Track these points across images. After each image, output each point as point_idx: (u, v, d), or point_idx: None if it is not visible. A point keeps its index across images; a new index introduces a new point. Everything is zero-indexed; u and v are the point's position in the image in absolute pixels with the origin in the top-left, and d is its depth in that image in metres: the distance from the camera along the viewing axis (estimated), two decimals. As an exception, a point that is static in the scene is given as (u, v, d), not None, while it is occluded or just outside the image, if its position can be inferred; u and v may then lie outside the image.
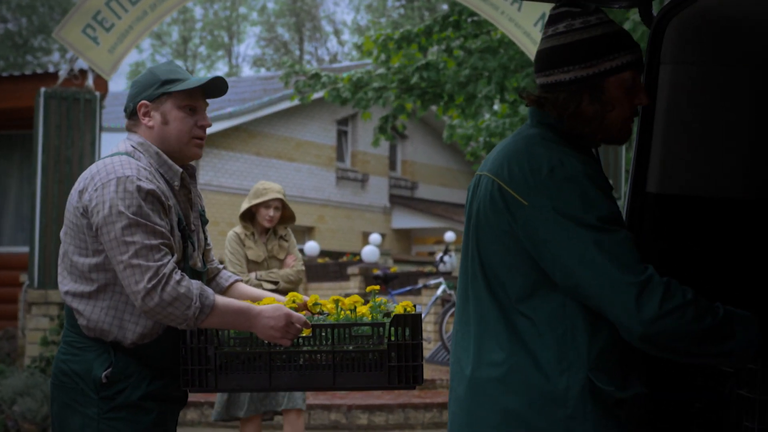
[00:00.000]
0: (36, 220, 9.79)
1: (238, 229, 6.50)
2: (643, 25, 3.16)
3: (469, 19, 13.30)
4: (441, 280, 13.64)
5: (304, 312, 3.21)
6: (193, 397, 9.41)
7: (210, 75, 3.16)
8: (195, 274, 3.12)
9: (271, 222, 6.51)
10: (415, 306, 3.14)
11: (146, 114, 3.11)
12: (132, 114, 3.14)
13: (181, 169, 3.11)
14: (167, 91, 3.09)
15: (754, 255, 3.01)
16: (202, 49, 45.14)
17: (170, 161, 3.09)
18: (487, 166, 2.51)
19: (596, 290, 2.29)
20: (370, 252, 18.17)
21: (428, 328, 13.57)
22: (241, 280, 3.46)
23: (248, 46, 60.06)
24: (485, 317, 2.46)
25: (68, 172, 9.87)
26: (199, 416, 9.41)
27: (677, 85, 3.00)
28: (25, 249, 11.25)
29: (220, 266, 3.43)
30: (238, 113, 22.78)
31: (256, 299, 3.26)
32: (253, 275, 6.35)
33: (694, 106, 3.02)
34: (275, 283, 6.34)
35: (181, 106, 3.10)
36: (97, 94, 10.11)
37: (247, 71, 45.25)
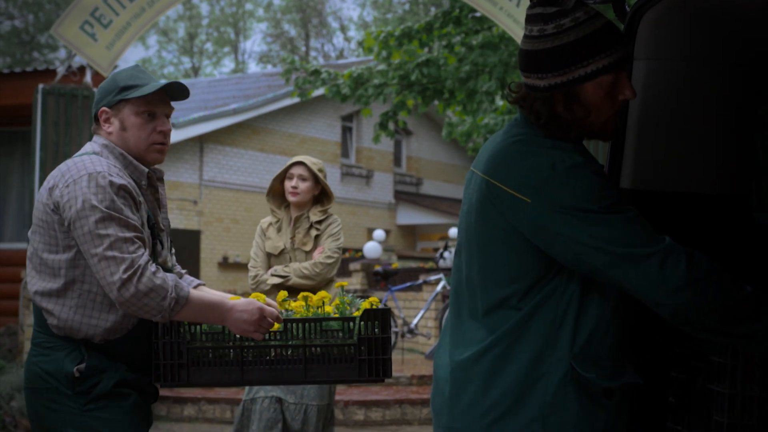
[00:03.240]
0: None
1: (266, 219, 5.59)
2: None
3: (470, 15, 13.29)
4: (441, 276, 13.64)
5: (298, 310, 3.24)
6: (190, 392, 9.43)
7: (165, 81, 3.18)
8: (165, 272, 3.13)
9: (296, 195, 5.39)
10: (380, 301, 3.19)
11: (106, 120, 3.16)
12: (96, 119, 3.19)
13: (146, 169, 3.17)
14: (125, 97, 3.12)
15: (728, 250, 3.01)
16: (209, 46, 45.18)
17: (135, 161, 3.15)
18: (480, 165, 2.51)
19: (618, 271, 2.29)
20: (372, 248, 18.19)
21: (428, 323, 13.59)
22: (204, 284, 3.47)
23: (254, 42, 60.11)
24: (475, 310, 2.47)
25: (66, 169, 9.89)
26: (196, 412, 9.43)
27: (651, 81, 3.00)
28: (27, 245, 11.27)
29: (183, 271, 3.47)
30: (243, 109, 22.79)
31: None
32: (269, 272, 5.35)
33: (668, 103, 3.02)
34: (284, 277, 5.29)
35: (138, 112, 3.14)
36: (96, 90, 10.12)
37: (253, 68, 45.29)
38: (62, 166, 3.08)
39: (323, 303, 3.16)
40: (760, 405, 2.34)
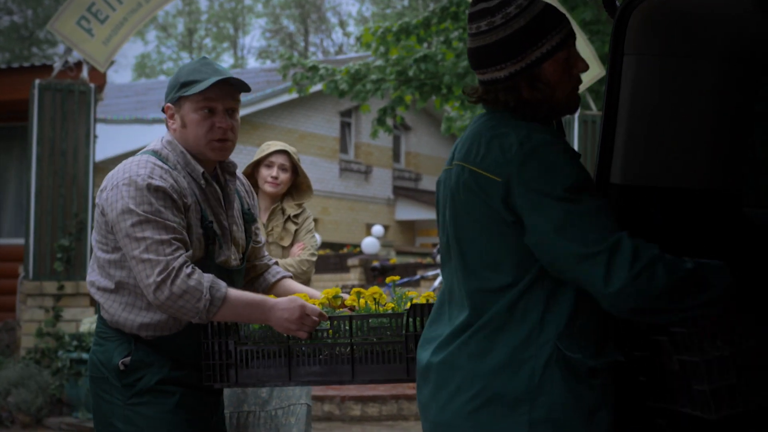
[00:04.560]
0: (31, 212, 9.81)
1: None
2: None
3: (467, 11, 13.26)
4: (438, 271, 13.66)
5: (340, 308, 3.18)
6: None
7: (222, 76, 3.09)
8: (224, 272, 3.14)
9: (275, 186, 4.97)
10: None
11: (171, 117, 3.18)
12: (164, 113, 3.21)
13: (202, 169, 3.13)
14: (183, 94, 3.11)
15: (717, 246, 3.01)
16: (208, 41, 45.15)
17: (193, 161, 3.13)
18: (453, 157, 2.54)
19: (568, 264, 2.32)
20: (370, 243, 18.19)
21: (426, 319, 13.58)
22: (290, 276, 3.47)
23: (254, 37, 60.11)
24: (460, 297, 2.49)
25: (63, 164, 9.88)
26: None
27: (641, 76, 3.00)
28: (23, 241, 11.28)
29: (271, 261, 3.46)
30: (242, 105, 22.74)
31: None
32: None
33: (658, 97, 3.01)
34: None
35: (196, 108, 3.11)
36: (92, 86, 10.12)
37: (252, 63, 45.26)
38: (115, 168, 3.12)
39: (375, 299, 3.08)
40: (734, 362, 2.36)
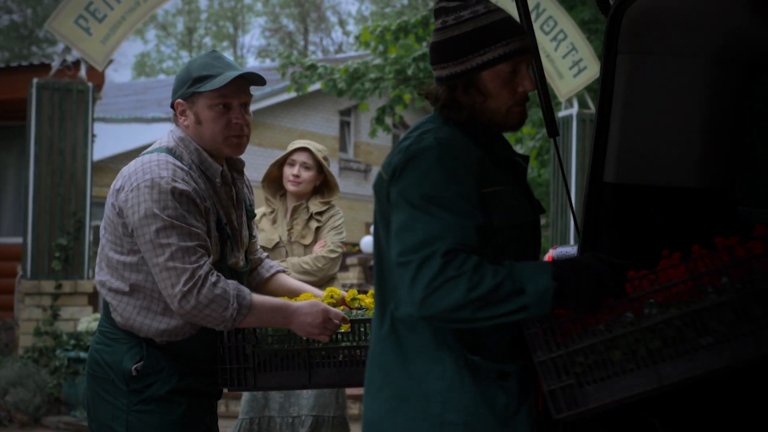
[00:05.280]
0: (29, 211, 9.81)
1: (260, 209, 5.08)
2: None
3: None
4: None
5: (342, 307, 3.16)
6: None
7: (239, 71, 3.02)
8: (235, 274, 3.09)
9: (296, 184, 4.95)
10: None
11: (182, 113, 3.05)
12: (174, 110, 3.10)
13: (220, 168, 3.04)
14: (197, 90, 3.00)
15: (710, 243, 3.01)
16: (207, 40, 45.13)
17: (209, 159, 3.03)
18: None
19: (394, 266, 2.38)
20: (369, 243, 18.17)
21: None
22: (284, 271, 3.41)
23: (253, 36, 60.11)
24: (379, 301, 2.54)
25: (61, 163, 9.88)
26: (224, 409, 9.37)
27: (634, 75, 3.00)
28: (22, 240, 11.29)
29: (264, 255, 3.39)
30: (240, 104, 22.78)
31: (295, 292, 3.25)
32: None
33: (651, 96, 3.02)
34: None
35: (212, 104, 3.00)
36: (90, 85, 10.12)
37: (252, 62, 45.24)
38: (131, 165, 2.99)
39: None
40: (569, 363, 2.36)
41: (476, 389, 2.38)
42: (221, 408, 9.27)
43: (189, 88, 3.02)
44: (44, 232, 9.79)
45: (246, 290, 2.96)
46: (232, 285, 2.92)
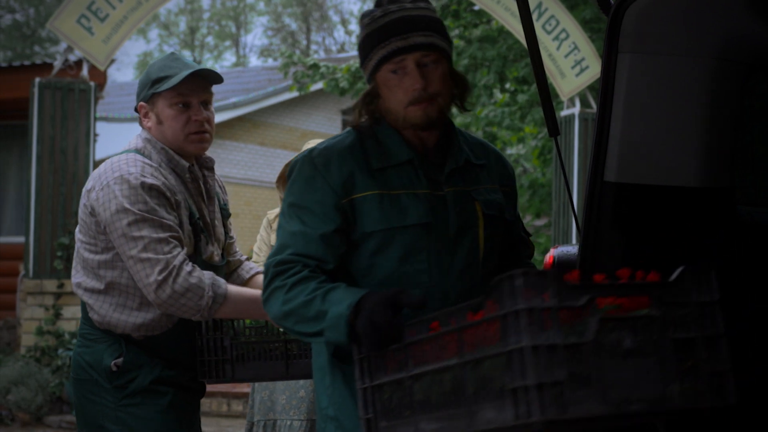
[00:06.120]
0: (31, 210, 9.82)
1: (274, 210, 5.27)
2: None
3: (468, 9, 13.27)
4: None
5: None
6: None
7: (193, 68, 3.12)
8: (210, 268, 3.12)
9: None
10: None
11: (145, 115, 3.15)
12: (138, 112, 3.19)
13: (187, 164, 3.12)
14: (156, 91, 3.10)
15: (711, 243, 3.01)
16: (210, 40, 45.17)
17: (177, 156, 3.11)
18: None
19: None
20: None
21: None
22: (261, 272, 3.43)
23: (256, 36, 60.15)
24: None
25: (63, 163, 9.89)
26: (217, 407, 9.40)
27: (635, 74, 3.00)
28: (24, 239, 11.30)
29: (243, 257, 3.44)
30: (243, 103, 22.79)
31: None
32: None
33: (652, 95, 3.02)
34: None
35: (171, 104, 3.10)
36: (92, 84, 10.13)
37: (254, 61, 45.28)
38: (101, 167, 3.07)
39: None
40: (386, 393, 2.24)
41: (347, 391, 2.45)
42: (223, 407, 9.29)
43: (149, 90, 3.11)
44: (46, 232, 9.81)
45: (221, 280, 3.01)
46: (207, 275, 2.97)
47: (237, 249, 3.42)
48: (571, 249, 3.49)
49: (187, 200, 3.10)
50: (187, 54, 44.16)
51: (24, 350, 9.64)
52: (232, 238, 3.37)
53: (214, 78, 3.14)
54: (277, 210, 5.22)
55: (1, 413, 9.10)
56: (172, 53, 3.21)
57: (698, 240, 3.01)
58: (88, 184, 3.06)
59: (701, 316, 2.13)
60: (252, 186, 23.23)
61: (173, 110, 3.09)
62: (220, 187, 3.37)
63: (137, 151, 3.10)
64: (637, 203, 3.04)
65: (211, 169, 3.26)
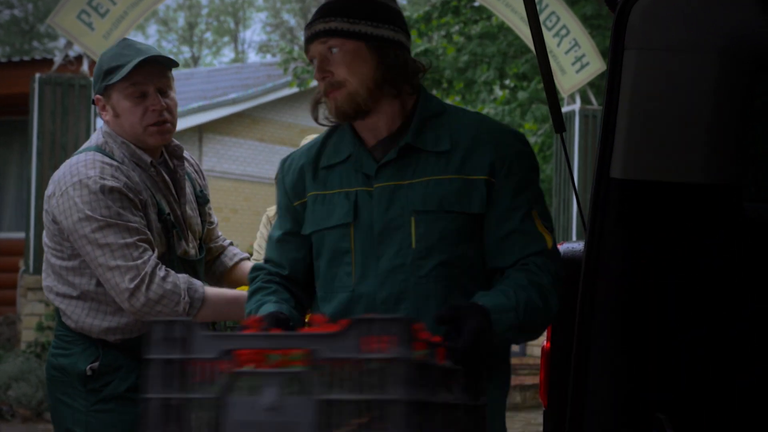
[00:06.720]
0: (31, 206, 9.82)
1: (273, 208, 5.17)
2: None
3: (468, 5, 13.27)
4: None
5: None
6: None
7: (144, 55, 2.86)
8: (187, 264, 3.00)
9: None
10: None
11: (102, 108, 2.94)
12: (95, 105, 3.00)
13: (150, 159, 2.93)
14: (109, 83, 2.87)
15: (717, 239, 3.01)
16: (208, 36, 45.15)
17: (138, 151, 2.92)
18: None
19: None
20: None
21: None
22: (248, 258, 3.31)
23: (254, 32, 60.11)
24: None
25: (63, 158, 9.79)
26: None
27: (641, 71, 3.00)
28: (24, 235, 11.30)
29: (226, 242, 3.30)
30: (242, 99, 22.77)
31: None
32: None
33: (659, 92, 3.01)
34: None
35: (126, 95, 2.87)
36: (92, 79, 10.12)
37: (253, 57, 45.26)
38: (59, 171, 2.90)
39: None
40: None
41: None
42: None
43: (102, 82, 2.89)
44: (47, 227, 9.80)
45: (198, 283, 2.88)
46: (182, 279, 2.83)
47: (219, 233, 3.27)
48: (577, 246, 3.48)
49: (154, 196, 2.92)
50: (185, 50, 44.14)
51: (24, 346, 9.63)
52: (212, 223, 3.20)
53: (169, 62, 2.91)
54: (274, 207, 5.19)
55: (1, 409, 9.09)
56: (124, 39, 2.95)
57: (704, 236, 3.01)
58: (49, 189, 2.89)
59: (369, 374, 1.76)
60: (251, 182, 23.22)
61: (128, 102, 2.86)
62: (196, 171, 3.19)
63: (98, 147, 2.90)
64: (643, 199, 3.04)
65: (180, 158, 3.04)
